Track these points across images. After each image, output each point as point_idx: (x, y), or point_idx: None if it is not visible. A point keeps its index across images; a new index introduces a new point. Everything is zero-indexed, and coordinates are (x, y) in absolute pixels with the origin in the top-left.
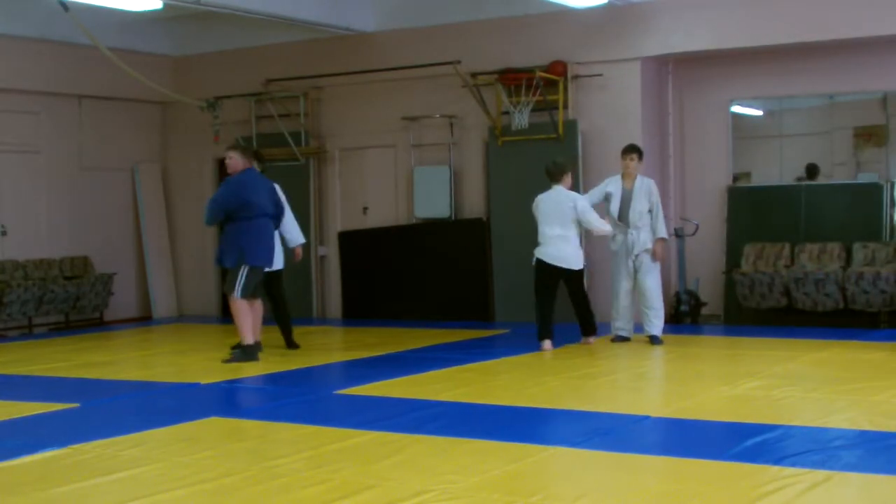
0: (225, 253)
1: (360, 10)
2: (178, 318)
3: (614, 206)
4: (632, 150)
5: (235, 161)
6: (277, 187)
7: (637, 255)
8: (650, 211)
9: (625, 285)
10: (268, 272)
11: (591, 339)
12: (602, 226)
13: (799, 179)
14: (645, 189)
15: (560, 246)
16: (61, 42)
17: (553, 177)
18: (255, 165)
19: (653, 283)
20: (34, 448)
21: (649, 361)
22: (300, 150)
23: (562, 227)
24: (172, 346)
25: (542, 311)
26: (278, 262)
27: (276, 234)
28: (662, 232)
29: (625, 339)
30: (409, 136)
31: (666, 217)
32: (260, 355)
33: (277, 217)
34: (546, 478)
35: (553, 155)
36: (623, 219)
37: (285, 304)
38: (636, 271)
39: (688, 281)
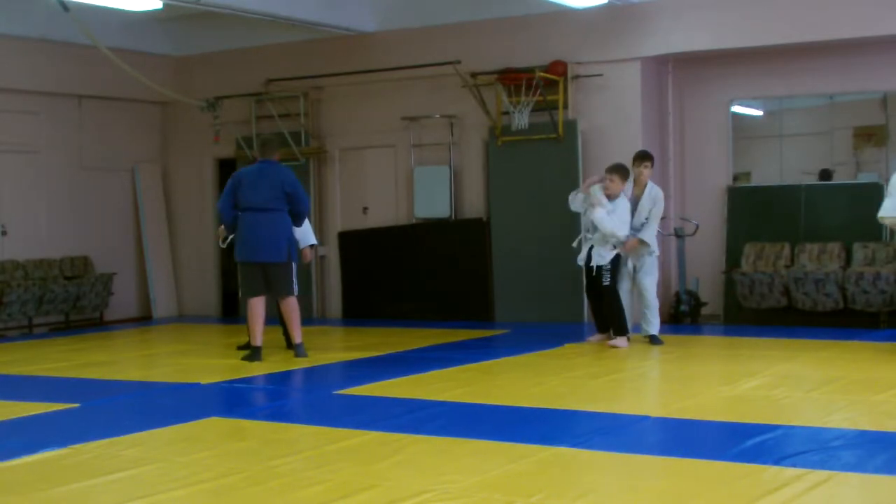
0: None
1: (360, 10)
2: (178, 318)
3: None
4: (645, 157)
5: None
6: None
7: (638, 256)
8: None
9: (624, 285)
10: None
11: (593, 338)
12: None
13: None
14: (651, 198)
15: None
16: (61, 42)
17: (626, 176)
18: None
19: (651, 283)
20: (34, 448)
21: (649, 361)
22: (300, 150)
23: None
24: (172, 346)
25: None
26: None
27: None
28: (646, 237)
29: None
30: (409, 136)
31: (666, 217)
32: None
33: (292, 211)
34: (546, 478)
35: (553, 155)
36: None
37: None
38: (636, 271)
39: (688, 281)
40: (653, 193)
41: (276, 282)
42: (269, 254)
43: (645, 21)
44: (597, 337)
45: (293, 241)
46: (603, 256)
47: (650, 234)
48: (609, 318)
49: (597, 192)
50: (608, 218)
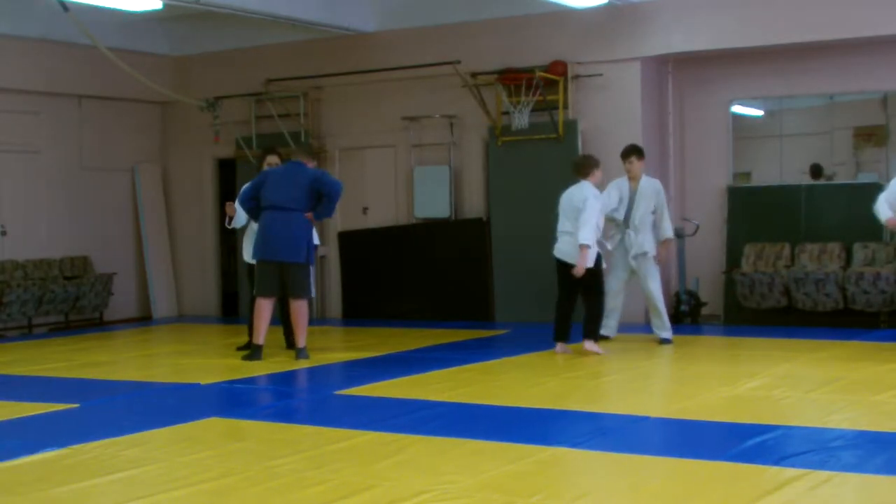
0: None
1: (360, 10)
2: (178, 318)
3: (620, 210)
4: (630, 152)
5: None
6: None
7: (635, 258)
8: (654, 212)
9: (615, 285)
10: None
11: (588, 344)
12: (586, 240)
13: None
14: (650, 190)
15: (568, 241)
16: (61, 42)
17: (578, 170)
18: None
19: (656, 288)
20: (34, 448)
21: (649, 361)
22: None
23: (571, 224)
24: (172, 346)
25: (559, 310)
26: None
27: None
28: (669, 232)
29: (605, 338)
30: (409, 136)
31: None
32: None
33: (325, 199)
34: (546, 478)
35: (553, 155)
36: (626, 220)
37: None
38: (633, 273)
39: (688, 281)
40: (652, 185)
41: (292, 283)
42: (286, 253)
43: (645, 21)
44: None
45: (311, 243)
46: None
47: (670, 228)
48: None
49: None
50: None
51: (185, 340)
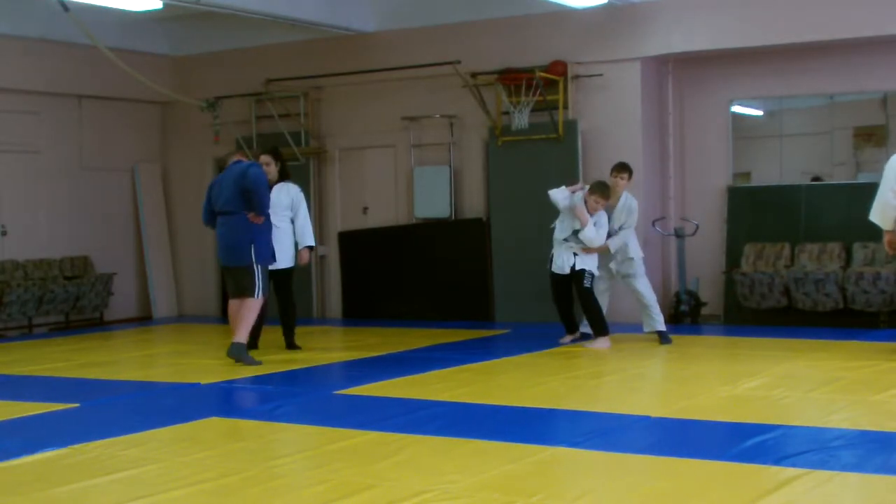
0: None
1: (360, 10)
2: (178, 318)
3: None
4: (623, 169)
5: None
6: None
7: (622, 263)
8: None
9: (601, 285)
10: (273, 270)
11: (566, 339)
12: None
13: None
14: (626, 209)
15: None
16: (61, 42)
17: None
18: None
19: (643, 286)
20: (34, 448)
21: (649, 361)
22: (300, 150)
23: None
24: (172, 346)
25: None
26: (283, 262)
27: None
28: (612, 244)
29: (588, 337)
30: (409, 136)
31: (665, 217)
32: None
33: (242, 210)
34: (546, 478)
35: (553, 155)
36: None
37: (291, 305)
38: (617, 274)
39: (688, 281)
40: (627, 203)
41: (240, 284)
42: (228, 257)
43: (645, 21)
44: (568, 338)
45: (259, 245)
46: (588, 261)
47: (616, 242)
48: (589, 321)
49: (579, 200)
50: (596, 232)
51: (185, 340)
